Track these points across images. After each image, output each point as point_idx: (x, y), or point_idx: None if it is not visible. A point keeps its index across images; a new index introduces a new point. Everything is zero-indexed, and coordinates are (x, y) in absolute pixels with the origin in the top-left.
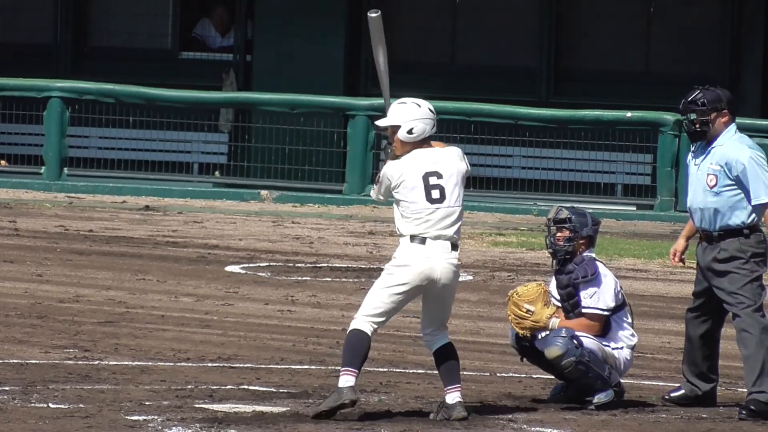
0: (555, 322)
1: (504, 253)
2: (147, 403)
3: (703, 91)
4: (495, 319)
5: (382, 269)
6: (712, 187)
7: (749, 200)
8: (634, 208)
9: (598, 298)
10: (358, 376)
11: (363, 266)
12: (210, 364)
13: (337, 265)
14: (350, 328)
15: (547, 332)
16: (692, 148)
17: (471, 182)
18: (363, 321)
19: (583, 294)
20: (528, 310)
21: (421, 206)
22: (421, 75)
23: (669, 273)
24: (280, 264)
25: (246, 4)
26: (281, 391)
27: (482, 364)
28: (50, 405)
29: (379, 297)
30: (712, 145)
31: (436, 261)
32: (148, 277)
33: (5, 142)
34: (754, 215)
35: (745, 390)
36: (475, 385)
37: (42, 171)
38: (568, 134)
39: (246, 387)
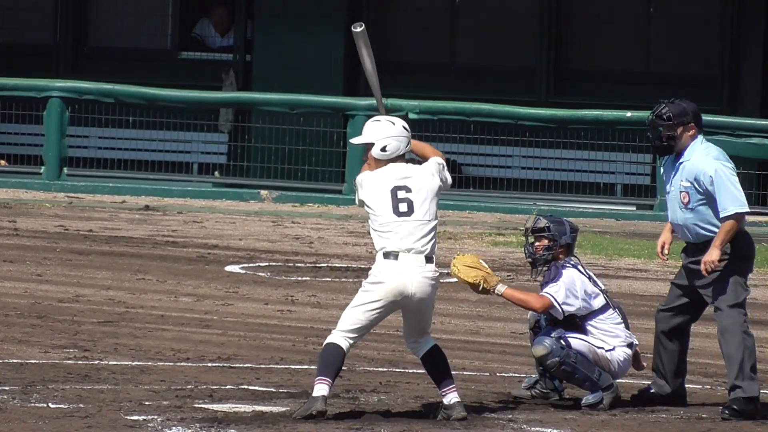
0: (502, 287)
1: (504, 253)
2: (147, 403)
3: (669, 105)
4: (495, 319)
5: None
6: (686, 204)
7: (717, 213)
8: (634, 208)
9: (558, 290)
10: (332, 386)
11: (363, 266)
12: (210, 364)
13: (337, 265)
14: (326, 341)
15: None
16: (661, 162)
17: (471, 182)
18: (339, 336)
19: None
20: (483, 265)
21: (387, 219)
22: (421, 75)
23: (669, 273)
24: (279, 264)
25: (246, 4)
26: (281, 391)
27: (482, 364)
28: (50, 405)
29: (354, 314)
30: (680, 161)
31: (409, 276)
32: (147, 277)
33: (5, 142)
34: None
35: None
36: (475, 385)
37: (42, 171)
38: (568, 134)
39: (246, 387)
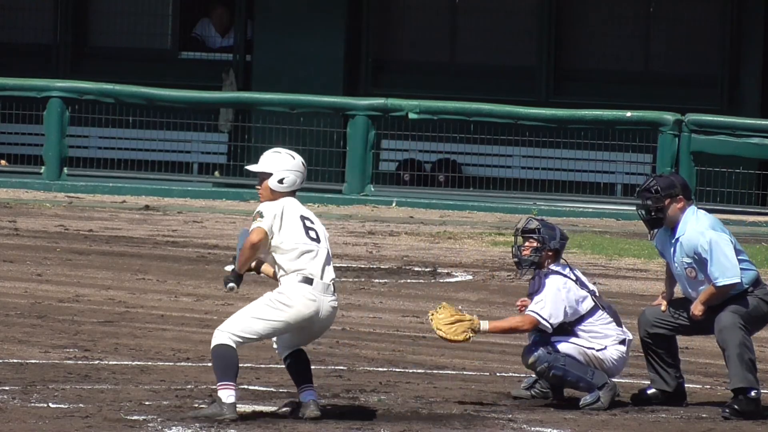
0: (485, 324)
1: (504, 252)
2: (147, 403)
3: (656, 178)
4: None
5: (381, 269)
6: (694, 278)
7: (709, 278)
8: (634, 208)
9: (543, 306)
10: (237, 390)
11: (363, 266)
12: (210, 364)
13: (337, 265)
14: (216, 342)
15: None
16: (652, 235)
17: (471, 182)
18: (228, 337)
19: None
20: (460, 311)
21: (304, 240)
22: (421, 75)
23: None
24: None
25: (246, 4)
26: (281, 390)
27: (482, 364)
28: (50, 405)
29: (253, 324)
30: (676, 236)
31: (321, 302)
32: (148, 277)
33: (5, 142)
34: (749, 274)
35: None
36: (475, 384)
37: (42, 171)
38: (567, 134)
39: (246, 387)
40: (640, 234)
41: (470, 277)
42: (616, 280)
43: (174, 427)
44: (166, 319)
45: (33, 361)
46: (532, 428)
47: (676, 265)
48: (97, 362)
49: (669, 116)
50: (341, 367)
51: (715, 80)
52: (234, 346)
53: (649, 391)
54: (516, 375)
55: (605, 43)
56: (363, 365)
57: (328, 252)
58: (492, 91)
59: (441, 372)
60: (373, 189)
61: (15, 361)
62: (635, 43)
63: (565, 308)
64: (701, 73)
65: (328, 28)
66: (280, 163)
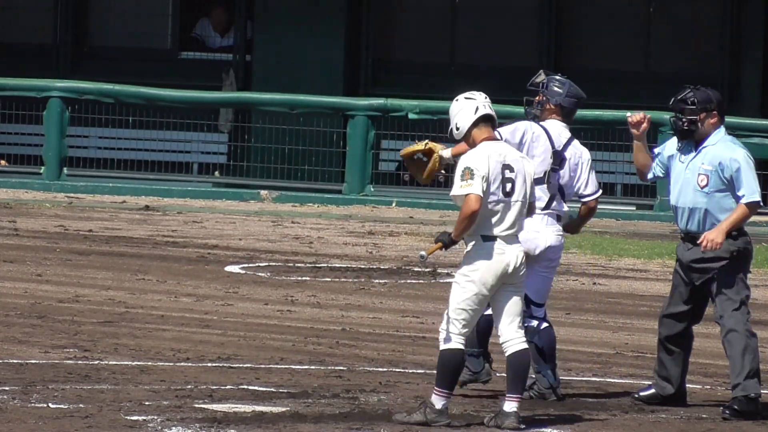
0: (447, 151)
1: None
2: (147, 403)
3: (694, 91)
4: None
5: (381, 269)
6: (703, 187)
7: (738, 199)
8: (634, 208)
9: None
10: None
11: (363, 266)
12: (209, 364)
13: (337, 265)
14: (441, 347)
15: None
16: (678, 146)
17: None
18: (452, 339)
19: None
20: (417, 151)
21: (497, 199)
22: (421, 75)
23: (668, 273)
24: (279, 264)
25: (246, 4)
26: (281, 391)
27: None
28: (50, 405)
29: (464, 308)
30: (703, 145)
31: (510, 253)
32: (147, 277)
33: (5, 142)
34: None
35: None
36: (475, 384)
37: (42, 171)
38: None
39: (245, 387)
40: (640, 234)
41: None
42: (616, 280)
43: (174, 427)
44: (166, 319)
45: (33, 361)
46: (532, 428)
47: (689, 170)
48: (97, 362)
49: (669, 116)
50: (341, 367)
51: (715, 80)
52: (459, 347)
53: (649, 392)
54: None
55: (605, 43)
56: (363, 365)
57: (521, 203)
58: (492, 91)
59: None
60: (372, 189)
61: (15, 361)
62: (635, 43)
63: (516, 140)
64: (701, 73)
65: (328, 28)
66: (450, 114)
